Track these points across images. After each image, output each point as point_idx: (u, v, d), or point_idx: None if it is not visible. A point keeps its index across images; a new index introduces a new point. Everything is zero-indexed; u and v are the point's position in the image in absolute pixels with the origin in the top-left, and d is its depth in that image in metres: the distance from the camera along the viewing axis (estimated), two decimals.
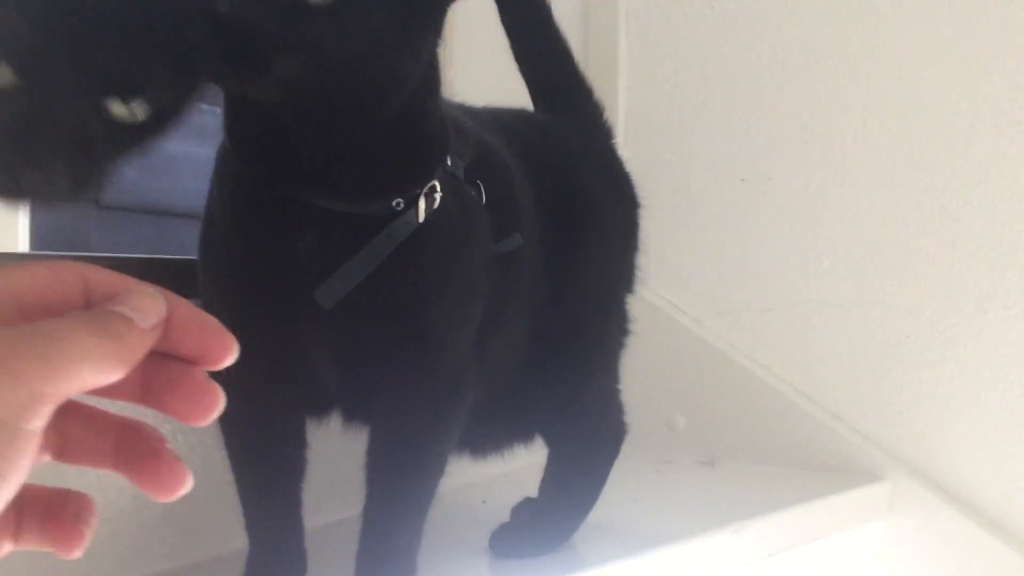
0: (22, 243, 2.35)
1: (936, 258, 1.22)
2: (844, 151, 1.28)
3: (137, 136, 0.56)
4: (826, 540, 1.14)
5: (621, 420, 0.95)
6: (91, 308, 0.38)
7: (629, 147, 1.43)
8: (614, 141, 1.00)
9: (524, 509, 0.92)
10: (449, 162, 0.70)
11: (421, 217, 0.66)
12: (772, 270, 1.33)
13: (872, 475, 1.22)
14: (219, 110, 0.68)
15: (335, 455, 0.77)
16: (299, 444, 0.75)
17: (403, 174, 0.66)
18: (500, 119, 0.86)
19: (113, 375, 0.37)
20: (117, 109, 0.53)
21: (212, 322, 0.40)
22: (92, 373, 0.35)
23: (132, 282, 0.39)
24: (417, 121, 0.66)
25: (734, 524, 0.97)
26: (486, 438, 0.85)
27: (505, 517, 0.95)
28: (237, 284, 0.69)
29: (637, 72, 1.43)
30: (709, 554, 0.94)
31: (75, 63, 0.51)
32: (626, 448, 1.27)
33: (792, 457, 1.28)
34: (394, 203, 0.65)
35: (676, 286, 1.40)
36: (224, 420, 0.72)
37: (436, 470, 0.73)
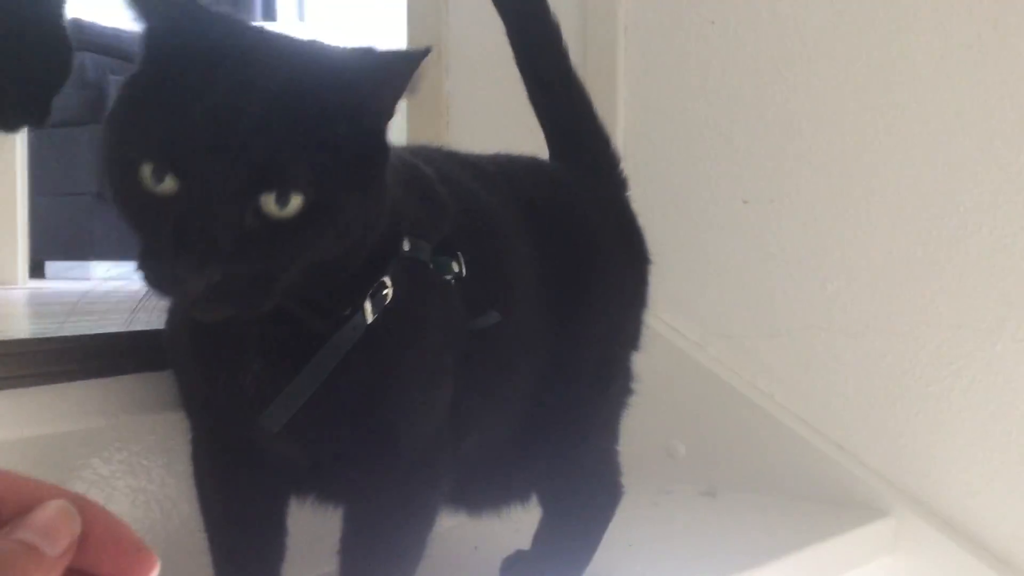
0: (21, 242, 2.33)
1: (945, 287, 1.18)
2: (850, 174, 1.24)
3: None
4: None
5: (617, 482, 0.92)
6: None
7: (628, 165, 1.38)
8: (628, 193, 0.97)
9: (515, 566, 0.89)
10: (407, 246, 0.67)
11: (369, 319, 0.64)
12: (775, 295, 1.29)
13: (876, 510, 1.19)
14: None
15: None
16: (278, 531, 0.74)
17: (349, 285, 0.64)
18: (504, 171, 0.83)
19: None
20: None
21: (131, 539, 0.37)
22: None
23: (46, 491, 0.36)
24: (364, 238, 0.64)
25: None
26: (483, 497, 0.83)
27: (497, 565, 0.93)
28: (194, 392, 0.70)
29: (636, 89, 1.39)
30: None
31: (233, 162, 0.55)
32: (625, 475, 1.24)
33: (794, 488, 1.25)
34: (344, 312, 0.64)
35: (676, 309, 1.36)
36: (203, 503, 0.71)
37: (411, 554, 0.71)
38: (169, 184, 0.56)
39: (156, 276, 0.57)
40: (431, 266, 0.68)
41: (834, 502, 1.21)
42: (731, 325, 1.32)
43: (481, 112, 1.53)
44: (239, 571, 0.72)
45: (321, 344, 0.63)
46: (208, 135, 0.55)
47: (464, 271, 0.70)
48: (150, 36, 0.60)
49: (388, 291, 0.65)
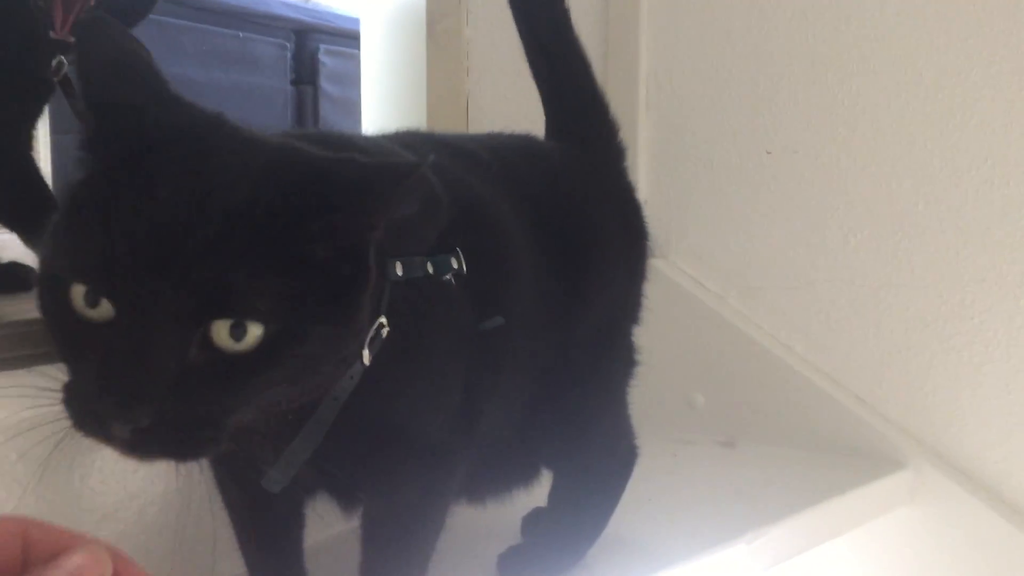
0: None
1: (969, 240, 1.17)
2: (875, 124, 1.22)
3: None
4: (847, 533, 1.13)
5: (632, 444, 0.93)
6: (29, 570, 0.36)
7: (651, 115, 1.38)
8: (625, 165, 0.94)
9: (534, 526, 0.91)
10: (400, 271, 0.63)
11: (367, 361, 0.60)
12: (797, 246, 1.28)
13: (895, 462, 1.19)
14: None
15: None
16: (297, 523, 0.76)
17: None
18: (498, 154, 0.81)
19: None
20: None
21: None
22: None
23: (76, 539, 0.37)
24: None
25: (748, 534, 0.95)
26: (485, 485, 0.82)
27: (516, 524, 0.95)
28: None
29: (660, 38, 1.36)
30: (724, 568, 0.92)
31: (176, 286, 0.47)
32: (644, 426, 1.25)
33: (813, 440, 1.26)
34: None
35: (698, 261, 1.36)
36: (225, 497, 0.72)
37: (428, 541, 0.72)
38: (105, 309, 0.49)
39: (76, 413, 0.50)
40: (430, 271, 0.65)
41: (853, 454, 1.22)
42: (752, 277, 1.32)
43: (501, 59, 1.50)
44: (260, 544, 0.75)
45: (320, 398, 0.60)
46: (149, 253, 0.48)
47: (464, 267, 0.67)
48: (97, 129, 0.52)
49: (384, 329, 0.61)
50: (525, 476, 0.86)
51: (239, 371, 0.50)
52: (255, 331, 0.49)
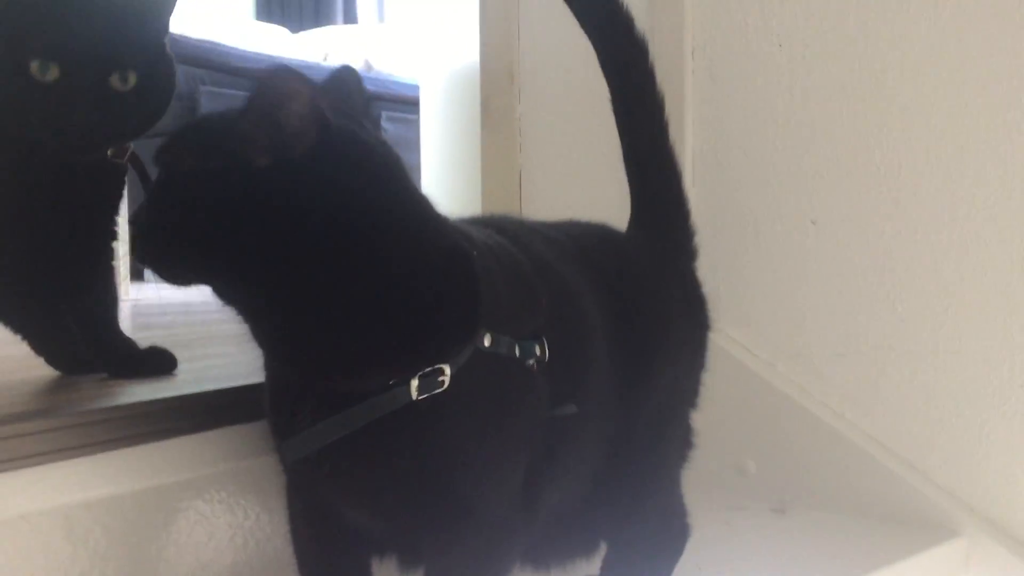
0: (122, 251, 2.46)
1: (1017, 308, 1.18)
2: (919, 194, 1.24)
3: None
4: None
5: (684, 522, 0.96)
6: None
7: (697, 187, 1.42)
8: (695, 265, 1.02)
9: None
10: (488, 342, 0.70)
11: (414, 396, 0.67)
12: (844, 314, 1.30)
13: (948, 530, 1.19)
14: None
15: None
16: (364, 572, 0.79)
17: (399, 357, 0.68)
18: (578, 243, 0.87)
19: None
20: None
21: None
22: None
23: None
24: (402, 315, 0.68)
25: None
26: (549, 553, 0.87)
27: None
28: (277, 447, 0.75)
29: (704, 110, 1.41)
30: None
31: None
32: (696, 492, 1.27)
33: (865, 507, 1.26)
34: (390, 382, 0.67)
35: (746, 328, 1.38)
36: (295, 543, 0.78)
37: None
38: None
39: None
40: (517, 353, 0.71)
41: (906, 521, 1.22)
42: (801, 344, 1.34)
43: (553, 135, 1.57)
44: None
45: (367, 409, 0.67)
46: None
47: (547, 355, 0.73)
48: None
49: (444, 379, 0.67)
50: (587, 547, 0.90)
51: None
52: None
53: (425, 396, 0.67)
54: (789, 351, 1.35)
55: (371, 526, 0.75)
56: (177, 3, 1.04)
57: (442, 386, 0.67)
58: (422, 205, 0.72)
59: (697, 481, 1.37)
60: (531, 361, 0.72)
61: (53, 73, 0.88)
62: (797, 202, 1.33)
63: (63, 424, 0.74)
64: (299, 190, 0.64)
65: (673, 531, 0.94)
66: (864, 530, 1.22)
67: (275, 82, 0.64)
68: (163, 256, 0.69)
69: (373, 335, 0.66)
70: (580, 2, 0.98)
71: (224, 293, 0.69)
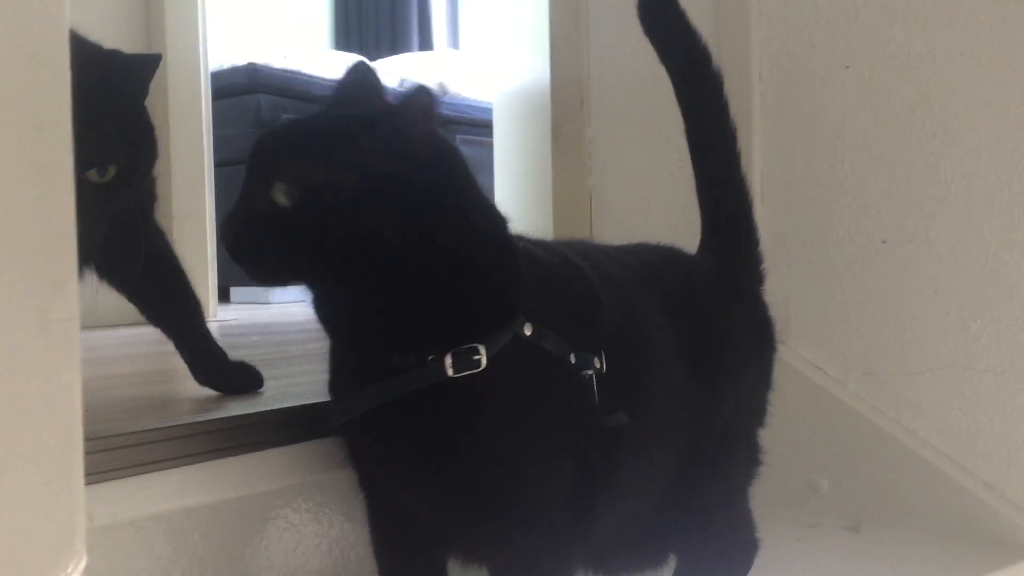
0: (211, 275, 2.56)
1: None
2: (990, 212, 1.24)
3: None
4: None
5: (752, 537, 0.98)
6: None
7: (766, 208, 1.43)
8: (763, 288, 1.05)
9: None
10: (528, 331, 0.75)
11: (449, 372, 0.72)
12: (917, 333, 1.30)
13: None
14: None
15: None
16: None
17: (433, 336, 0.73)
18: (646, 262, 0.92)
19: None
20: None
21: None
22: None
23: None
24: (445, 292, 0.73)
25: None
26: (618, 563, 0.90)
27: None
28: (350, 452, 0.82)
29: (772, 132, 1.43)
30: None
31: None
32: (768, 510, 1.28)
33: (940, 525, 1.26)
34: (428, 358, 0.73)
35: (818, 347, 1.39)
36: (376, 549, 0.82)
37: None
38: None
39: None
40: (572, 359, 0.76)
41: (981, 540, 1.22)
42: (872, 362, 1.34)
43: (622, 159, 1.60)
44: None
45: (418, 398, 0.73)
46: None
47: (604, 368, 0.77)
48: None
49: (480, 358, 0.73)
50: (655, 559, 0.94)
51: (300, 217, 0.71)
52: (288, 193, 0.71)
53: (462, 375, 0.72)
54: (861, 369, 1.35)
55: (428, 517, 0.79)
56: (155, 70, 0.98)
57: (478, 366, 0.72)
58: (484, 200, 0.78)
59: (770, 499, 1.38)
60: (589, 372, 0.76)
61: None
62: (867, 222, 1.34)
63: (165, 436, 0.80)
64: (410, 192, 0.71)
65: (742, 545, 0.97)
66: (938, 549, 1.21)
67: (420, 99, 0.71)
68: (274, 260, 0.73)
69: (421, 314, 0.73)
70: (660, 37, 1.03)
71: (314, 286, 0.76)
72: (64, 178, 0.43)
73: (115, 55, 0.96)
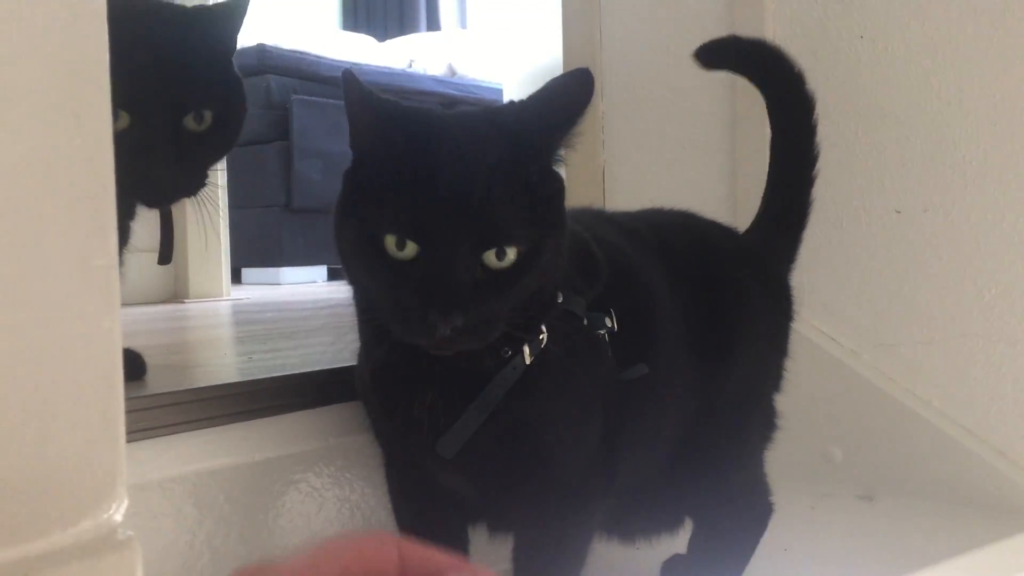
0: (224, 256, 2.57)
1: None
2: (1004, 182, 1.24)
3: None
4: None
5: (767, 501, 0.99)
6: None
7: None
8: (791, 267, 1.09)
9: (672, 572, 0.98)
10: (560, 299, 0.76)
11: (528, 360, 0.74)
12: (930, 303, 1.31)
13: None
14: None
15: None
16: (461, 539, 0.85)
17: (511, 329, 0.73)
18: (655, 228, 0.93)
19: None
20: None
21: None
22: None
23: (444, 561, 0.43)
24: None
25: None
26: (635, 526, 0.91)
27: (656, 567, 1.01)
28: (378, 423, 0.82)
29: None
30: None
31: None
32: (782, 480, 1.29)
33: (953, 494, 1.26)
34: (504, 353, 0.73)
35: (831, 317, 1.40)
36: (396, 514, 0.83)
37: (572, 574, 0.80)
38: (410, 249, 0.67)
39: (409, 326, 0.68)
40: (585, 321, 0.77)
41: (993, 508, 1.22)
42: (886, 333, 1.35)
43: (634, 132, 1.60)
44: None
45: (484, 382, 0.73)
46: (442, 209, 0.67)
47: (616, 326, 0.79)
48: (359, 137, 0.72)
49: (543, 337, 0.74)
50: (671, 522, 0.95)
51: (505, 280, 0.69)
52: (511, 252, 0.68)
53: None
54: (874, 340, 1.36)
55: (464, 492, 0.80)
56: (243, 19, 0.95)
57: (541, 345, 0.74)
58: None
59: (783, 468, 1.38)
60: (602, 332, 0.78)
61: (123, 121, 0.83)
62: (881, 192, 1.34)
63: (190, 399, 0.81)
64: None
65: (757, 509, 0.97)
66: (952, 517, 1.22)
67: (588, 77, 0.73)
68: (497, 317, 0.71)
69: (516, 313, 0.72)
70: (757, 72, 1.08)
71: None
72: (103, 127, 0.43)
73: (203, 8, 0.95)
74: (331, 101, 3.39)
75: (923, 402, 1.31)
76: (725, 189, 1.50)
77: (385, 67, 3.89)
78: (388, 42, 4.68)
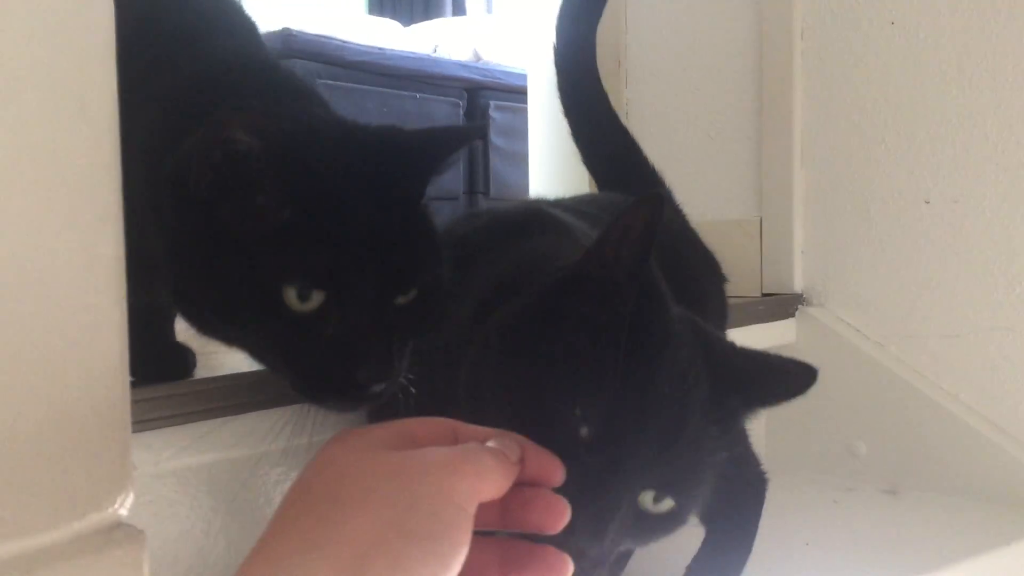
0: None
1: None
2: None
3: None
4: None
5: (759, 471, 0.97)
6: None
7: (807, 169, 1.41)
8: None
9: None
10: None
11: None
12: (959, 295, 1.28)
13: None
14: None
15: None
16: None
17: None
18: (604, 208, 0.97)
19: (501, 490, 0.51)
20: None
21: (547, 454, 0.55)
22: (494, 483, 0.51)
23: (492, 432, 0.55)
24: None
25: None
26: None
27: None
28: None
29: (813, 91, 1.40)
30: None
31: None
32: (806, 473, 1.28)
33: (979, 489, 1.24)
34: None
35: (857, 309, 1.37)
36: None
37: None
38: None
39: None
40: None
41: (1020, 504, 1.20)
42: (913, 325, 1.33)
43: (659, 118, 1.58)
44: None
45: None
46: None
47: None
48: None
49: None
50: None
51: (658, 525, 0.64)
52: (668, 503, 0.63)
53: None
54: (901, 332, 1.34)
55: None
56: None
57: None
58: None
59: (808, 462, 1.37)
60: None
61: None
62: (910, 181, 1.32)
63: (208, 387, 0.80)
64: None
65: (752, 480, 0.96)
66: (977, 512, 1.20)
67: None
68: None
69: None
70: None
71: None
72: (109, 116, 0.43)
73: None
74: (356, 86, 3.38)
75: (950, 396, 1.29)
76: (751, 175, 1.48)
77: (410, 52, 3.87)
78: (413, 27, 4.67)
